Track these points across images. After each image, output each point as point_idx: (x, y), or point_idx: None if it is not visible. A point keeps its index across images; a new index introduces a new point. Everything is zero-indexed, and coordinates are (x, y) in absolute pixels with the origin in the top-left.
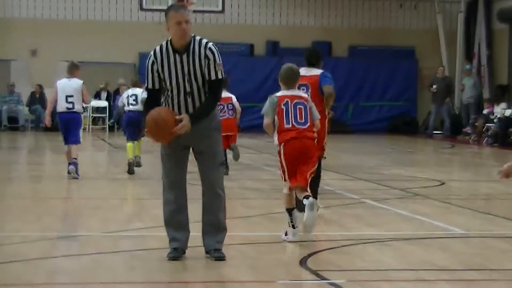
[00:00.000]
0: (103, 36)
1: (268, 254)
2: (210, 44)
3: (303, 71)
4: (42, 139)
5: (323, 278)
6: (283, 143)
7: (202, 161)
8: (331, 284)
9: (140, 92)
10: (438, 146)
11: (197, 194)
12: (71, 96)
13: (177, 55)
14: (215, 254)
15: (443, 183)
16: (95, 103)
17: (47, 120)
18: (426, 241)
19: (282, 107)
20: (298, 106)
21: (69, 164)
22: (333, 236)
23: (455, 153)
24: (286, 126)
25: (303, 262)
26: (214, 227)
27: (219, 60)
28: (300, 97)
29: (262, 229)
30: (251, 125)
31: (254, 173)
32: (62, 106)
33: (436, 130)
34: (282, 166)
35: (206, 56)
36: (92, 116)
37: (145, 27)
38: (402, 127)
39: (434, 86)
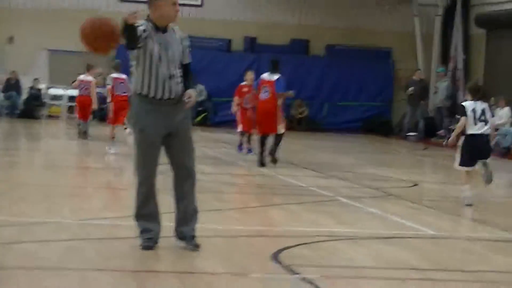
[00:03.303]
0: (79, 24)
1: (240, 247)
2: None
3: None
4: (17, 126)
5: (296, 273)
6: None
7: (180, 146)
8: (304, 279)
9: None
10: (412, 148)
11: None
12: None
13: (160, 33)
14: (194, 241)
15: (415, 184)
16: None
17: None
18: (397, 240)
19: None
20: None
21: None
22: (305, 232)
23: (428, 155)
24: None
25: (275, 256)
26: (193, 214)
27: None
28: None
29: (235, 222)
30: (227, 120)
31: (229, 168)
32: None
33: (410, 132)
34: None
35: (183, 39)
36: (67, 105)
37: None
38: (377, 127)
39: (411, 88)
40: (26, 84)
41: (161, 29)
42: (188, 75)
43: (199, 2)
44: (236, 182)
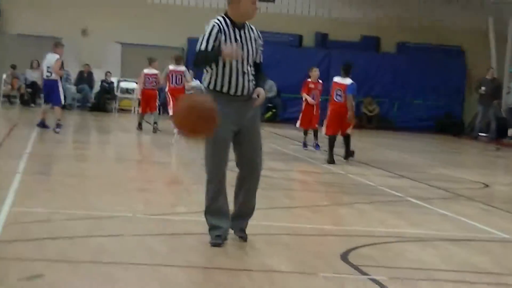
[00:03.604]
0: (153, 19)
1: (309, 246)
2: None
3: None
4: (88, 119)
5: (364, 274)
6: None
7: (249, 143)
8: (372, 280)
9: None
10: (483, 148)
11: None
12: None
13: (237, 30)
14: (243, 234)
15: (487, 186)
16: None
17: None
18: (467, 243)
19: None
20: None
21: None
22: (374, 232)
23: (500, 156)
24: None
25: (344, 256)
26: (251, 210)
27: None
28: None
29: (304, 220)
30: (296, 116)
31: (298, 164)
32: None
33: (482, 132)
34: None
35: (259, 37)
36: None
37: (195, 12)
38: (448, 127)
39: (483, 88)
40: (98, 77)
41: (238, 26)
42: (260, 73)
43: None
44: (305, 179)
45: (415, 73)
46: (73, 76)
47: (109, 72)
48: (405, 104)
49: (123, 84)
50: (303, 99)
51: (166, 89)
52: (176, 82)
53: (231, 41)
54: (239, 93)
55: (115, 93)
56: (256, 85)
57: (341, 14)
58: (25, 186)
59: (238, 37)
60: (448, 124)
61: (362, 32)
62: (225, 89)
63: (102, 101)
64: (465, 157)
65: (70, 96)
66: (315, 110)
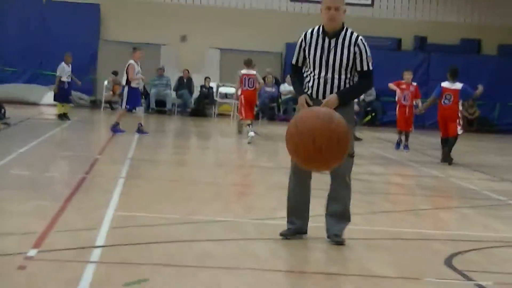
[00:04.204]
0: (251, 24)
1: (413, 250)
2: (360, 37)
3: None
4: (188, 124)
5: (469, 279)
6: None
7: None
8: (478, 285)
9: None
10: None
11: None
12: None
13: (326, 39)
14: (336, 238)
15: None
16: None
17: None
18: None
19: None
20: None
21: None
22: (478, 236)
23: None
24: None
25: (448, 261)
26: (340, 216)
27: (369, 53)
28: None
29: (406, 225)
30: (396, 119)
31: (398, 168)
32: None
33: None
34: None
35: (356, 45)
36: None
37: (293, 18)
38: None
39: None
40: (197, 82)
41: (330, 34)
42: (357, 82)
43: (369, 2)
44: (406, 183)
45: None
46: (173, 82)
47: (208, 77)
48: (506, 106)
49: (222, 89)
50: (396, 99)
51: (239, 93)
52: (248, 86)
53: (315, 51)
54: (314, 96)
55: (214, 98)
56: (334, 91)
57: (439, 16)
58: (128, 191)
59: (325, 46)
60: None
61: (461, 34)
62: (308, 92)
63: (202, 106)
64: None
65: (170, 102)
66: (407, 111)
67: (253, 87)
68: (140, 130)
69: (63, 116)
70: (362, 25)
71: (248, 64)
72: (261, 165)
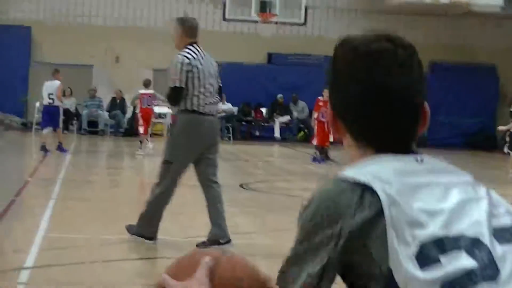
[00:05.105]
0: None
1: None
2: None
3: None
4: (121, 144)
5: None
6: None
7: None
8: None
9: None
10: None
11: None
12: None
13: None
14: None
15: None
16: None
17: None
18: None
19: None
20: None
21: None
22: None
23: None
24: None
25: None
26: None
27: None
28: None
29: None
30: None
31: None
32: None
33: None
34: None
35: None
36: (170, 123)
37: (227, 37)
38: (481, 143)
39: None
40: (130, 102)
41: None
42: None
43: (302, 21)
44: None
45: (448, 92)
46: (106, 102)
47: None
48: (437, 123)
49: (156, 109)
50: (316, 115)
51: (138, 111)
52: (147, 104)
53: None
54: None
55: None
56: None
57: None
58: (59, 212)
59: None
60: (481, 140)
61: None
62: None
63: (135, 126)
64: (500, 172)
65: (102, 122)
66: (326, 127)
67: (151, 105)
68: (44, 148)
69: None
70: (295, 42)
71: (146, 84)
72: (195, 183)
